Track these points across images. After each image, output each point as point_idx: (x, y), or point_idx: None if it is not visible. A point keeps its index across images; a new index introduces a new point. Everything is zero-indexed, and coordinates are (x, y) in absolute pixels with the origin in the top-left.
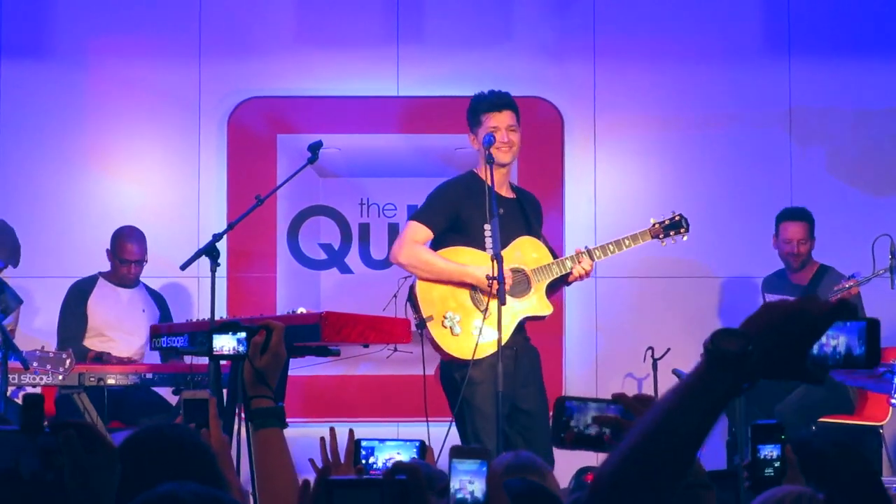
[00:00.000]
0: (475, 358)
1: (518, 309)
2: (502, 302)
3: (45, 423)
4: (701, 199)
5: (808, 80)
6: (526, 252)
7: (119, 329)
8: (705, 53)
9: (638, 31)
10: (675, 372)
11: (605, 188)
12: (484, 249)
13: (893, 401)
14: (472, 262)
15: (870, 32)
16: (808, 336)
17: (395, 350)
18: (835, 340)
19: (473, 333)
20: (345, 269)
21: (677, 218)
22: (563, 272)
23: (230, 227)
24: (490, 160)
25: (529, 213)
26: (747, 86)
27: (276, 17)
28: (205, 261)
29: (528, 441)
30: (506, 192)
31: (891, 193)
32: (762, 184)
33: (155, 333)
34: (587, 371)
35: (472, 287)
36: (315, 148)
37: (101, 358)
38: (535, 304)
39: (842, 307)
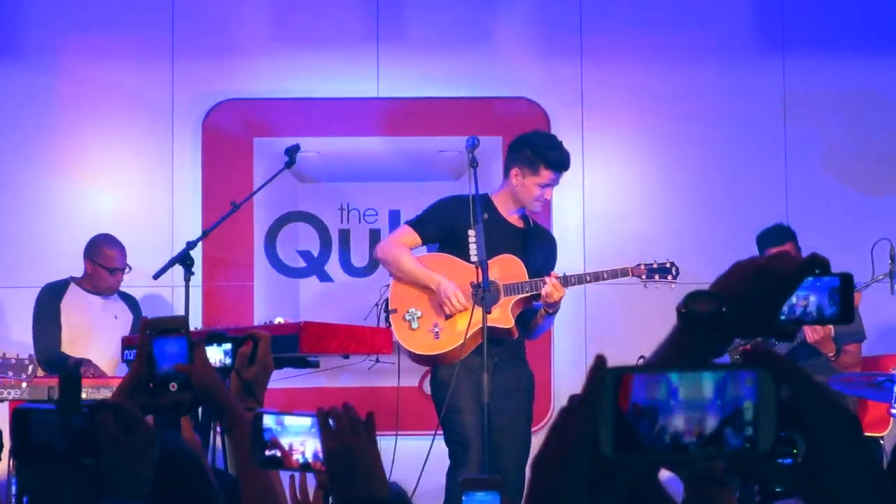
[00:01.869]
0: (440, 353)
1: (477, 318)
2: (487, 310)
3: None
4: (695, 202)
5: (803, 76)
6: (504, 268)
7: (90, 338)
8: (697, 50)
9: (627, 28)
10: (641, 358)
11: (594, 192)
12: (468, 258)
13: (894, 411)
14: (448, 270)
15: (867, 27)
16: (779, 293)
17: (377, 361)
18: (805, 301)
19: (429, 331)
20: (324, 278)
21: (668, 265)
22: (534, 292)
23: (205, 234)
24: (472, 163)
25: (533, 248)
26: (740, 83)
27: (251, 15)
28: (179, 269)
29: (494, 459)
30: (514, 220)
31: (889, 193)
32: (757, 185)
33: (127, 345)
34: (577, 382)
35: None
36: (292, 152)
37: (81, 365)
38: (497, 316)
39: (812, 262)
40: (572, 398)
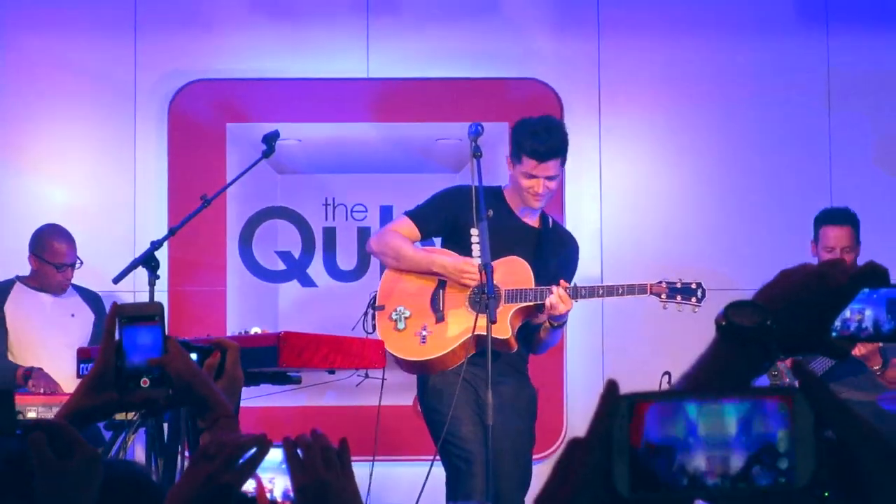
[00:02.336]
0: (422, 359)
1: (471, 323)
2: (492, 319)
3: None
4: (729, 197)
5: (850, 54)
6: (509, 272)
7: (44, 342)
8: (730, 25)
9: (650, 0)
10: (666, 374)
11: (612, 185)
12: (472, 256)
13: None
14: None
15: None
16: (830, 305)
17: (367, 377)
18: (859, 314)
19: (416, 334)
20: (307, 282)
21: (693, 285)
22: (538, 301)
23: (171, 232)
24: (475, 153)
25: (548, 251)
26: (779, 62)
27: None
28: (142, 272)
29: (491, 485)
30: (528, 219)
31: None
32: (798, 176)
33: (83, 357)
34: (592, 401)
35: (437, 289)
36: (271, 139)
37: (31, 376)
38: (493, 322)
39: (870, 272)
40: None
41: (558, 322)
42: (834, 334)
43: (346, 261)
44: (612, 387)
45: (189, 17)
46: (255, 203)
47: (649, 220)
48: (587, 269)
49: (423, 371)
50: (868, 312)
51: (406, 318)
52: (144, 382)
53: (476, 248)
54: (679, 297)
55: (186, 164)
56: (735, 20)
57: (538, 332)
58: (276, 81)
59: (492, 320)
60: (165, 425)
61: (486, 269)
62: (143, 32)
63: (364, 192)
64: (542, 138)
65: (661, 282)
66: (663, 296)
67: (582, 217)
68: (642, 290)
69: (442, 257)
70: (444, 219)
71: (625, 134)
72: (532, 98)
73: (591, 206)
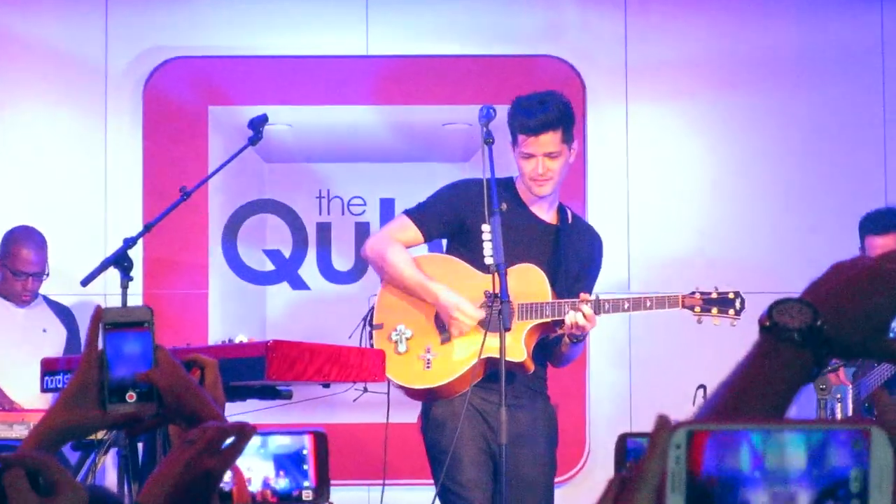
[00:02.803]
0: (428, 387)
1: (485, 344)
2: (506, 326)
3: None
4: (768, 190)
5: None
6: (523, 282)
7: (13, 359)
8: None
9: None
10: (701, 387)
11: (640, 177)
12: (482, 262)
13: None
14: (452, 277)
15: None
16: (889, 304)
17: (366, 391)
18: None
19: (420, 358)
20: (298, 284)
21: (731, 296)
22: (557, 317)
23: (147, 228)
24: (487, 139)
25: (567, 251)
26: (826, 39)
27: None
28: (114, 273)
29: None
30: (544, 214)
31: None
32: (848, 167)
33: (48, 370)
34: (617, 417)
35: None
36: (258, 124)
37: None
38: (507, 345)
39: None
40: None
41: (576, 338)
42: (892, 335)
43: (342, 260)
44: (663, 422)
45: None
46: (241, 195)
47: (682, 217)
48: (613, 273)
49: (429, 398)
50: None
51: (407, 339)
52: (130, 397)
53: (488, 247)
54: (715, 310)
55: (163, 152)
56: None
57: (558, 346)
58: (263, 59)
59: (506, 327)
60: (140, 445)
61: (500, 269)
62: (115, 5)
63: (362, 183)
64: (533, 110)
65: (694, 292)
66: (697, 308)
67: (606, 214)
68: (674, 303)
69: (437, 287)
70: (448, 218)
71: (654, 120)
72: (551, 78)
73: (617, 202)
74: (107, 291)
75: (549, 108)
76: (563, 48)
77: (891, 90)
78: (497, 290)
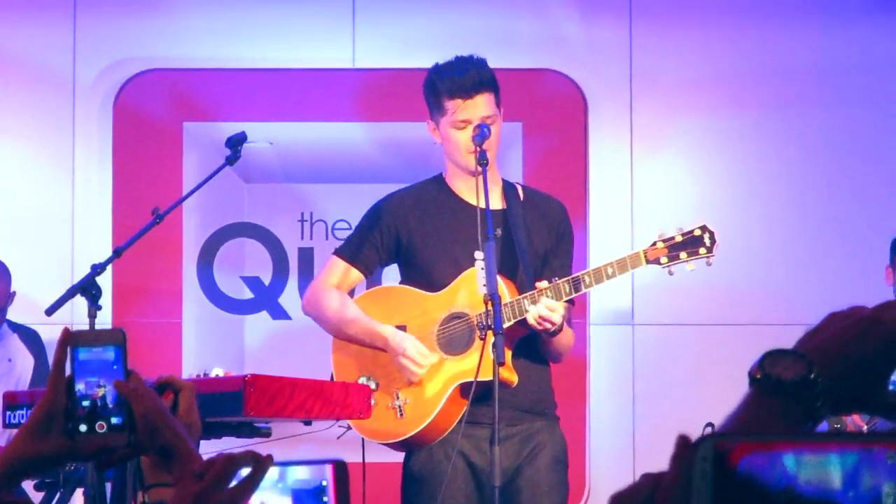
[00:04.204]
0: (406, 437)
1: (451, 372)
2: (500, 361)
3: None
4: (784, 213)
5: None
6: (474, 290)
7: None
8: (785, 10)
9: None
10: (710, 426)
11: (646, 198)
12: (439, 288)
13: None
14: (404, 308)
15: None
16: (887, 356)
17: (349, 428)
18: None
19: (390, 407)
20: (279, 314)
21: (697, 233)
22: (518, 317)
23: (117, 253)
24: (481, 160)
25: (521, 235)
26: (844, 52)
27: None
28: (81, 301)
29: None
30: (490, 202)
31: None
32: (871, 187)
33: (10, 403)
34: (620, 455)
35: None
36: (237, 142)
37: None
38: (473, 364)
39: None
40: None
41: (550, 333)
42: (892, 388)
43: None
44: (684, 442)
45: None
46: (218, 218)
47: None
48: (615, 301)
49: (414, 448)
50: None
51: (373, 391)
52: (100, 426)
53: (481, 275)
54: (684, 254)
55: (135, 171)
56: (793, 4)
57: (540, 341)
58: (242, 72)
59: (500, 362)
60: (109, 484)
61: (493, 298)
62: (83, 13)
63: (348, 205)
64: (462, 68)
65: (655, 242)
66: (664, 259)
67: (609, 235)
68: (636, 262)
69: (383, 330)
70: (381, 242)
71: (660, 137)
72: (551, 93)
73: (621, 223)
74: (74, 321)
75: (478, 66)
76: (564, 61)
77: None
78: (452, 314)
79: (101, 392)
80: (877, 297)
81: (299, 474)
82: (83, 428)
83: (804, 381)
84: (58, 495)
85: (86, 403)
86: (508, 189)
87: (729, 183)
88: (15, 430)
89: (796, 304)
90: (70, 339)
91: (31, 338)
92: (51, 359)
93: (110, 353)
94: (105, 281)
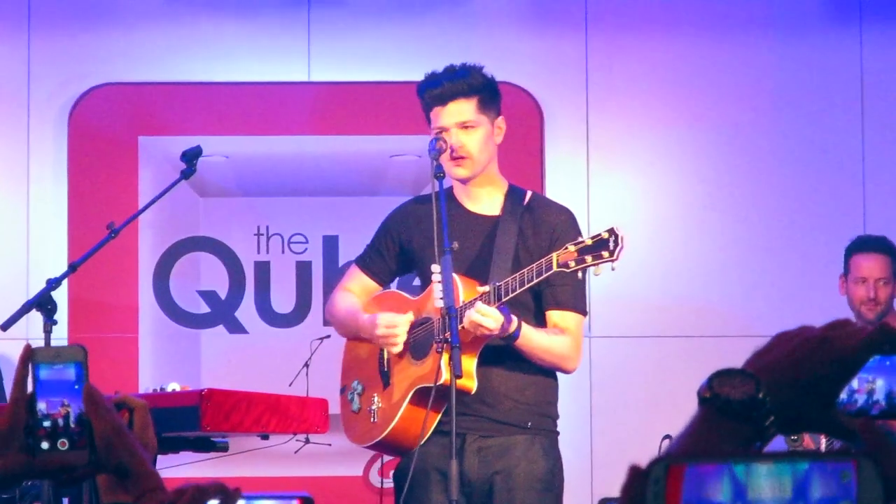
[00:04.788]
0: (376, 441)
1: (412, 376)
2: (457, 373)
3: None
4: (740, 225)
5: (887, 53)
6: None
7: None
8: (742, 21)
9: None
10: (667, 438)
11: (602, 208)
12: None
13: None
14: (391, 311)
15: None
16: (835, 375)
17: (307, 442)
18: (870, 384)
19: (369, 411)
20: (235, 327)
21: (604, 236)
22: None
23: (72, 268)
24: (437, 173)
25: (503, 239)
26: (800, 64)
27: None
28: (36, 316)
29: None
30: (482, 207)
31: None
32: (825, 200)
33: None
34: (579, 468)
35: (381, 349)
36: (192, 156)
37: None
38: (427, 369)
39: (882, 336)
40: None
41: (505, 340)
42: (840, 408)
43: (282, 302)
44: (635, 472)
45: (92, 7)
46: (173, 232)
47: (646, 254)
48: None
49: (396, 452)
50: (880, 383)
51: (359, 395)
52: (62, 444)
53: (438, 288)
54: (590, 258)
55: (90, 185)
56: (749, 15)
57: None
58: (197, 86)
59: (457, 374)
60: (66, 501)
61: (450, 311)
62: (37, 27)
63: (304, 218)
64: (439, 78)
65: (566, 247)
66: (572, 263)
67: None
68: (549, 266)
69: (365, 316)
70: (390, 251)
71: (617, 150)
72: (506, 106)
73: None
74: (29, 335)
75: (459, 74)
76: (520, 75)
77: (870, 121)
78: (421, 319)
79: (63, 411)
80: (832, 306)
81: None
82: (45, 445)
83: (752, 400)
84: None
85: (47, 424)
86: (514, 195)
87: (685, 195)
88: None
89: (752, 315)
90: (31, 356)
91: None
92: (7, 376)
93: (71, 371)
94: (61, 296)
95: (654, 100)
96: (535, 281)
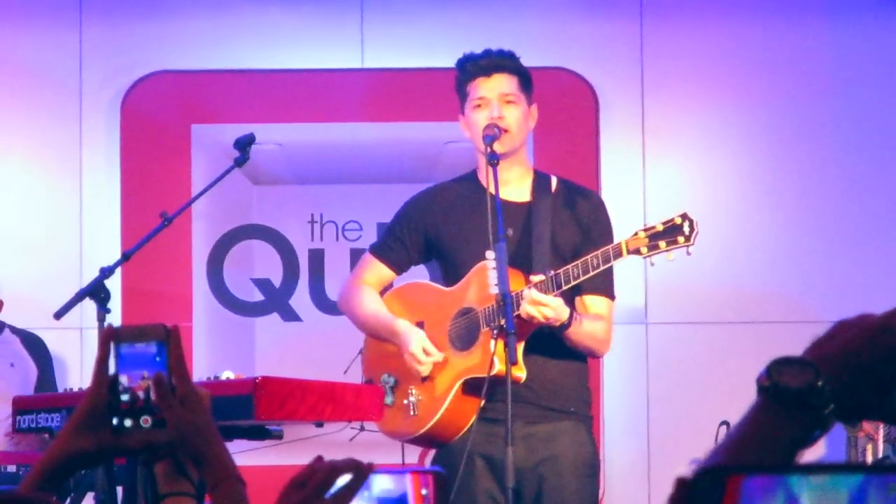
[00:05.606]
0: (418, 434)
1: (458, 368)
2: (512, 360)
3: None
4: (798, 210)
5: None
6: (482, 284)
7: None
8: (800, 3)
9: None
10: (724, 424)
11: (658, 197)
12: (454, 274)
13: None
14: (424, 305)
15: None
16: (895, 364)
17: (362, 429)
18: None
19: (406, 404)
20: (290, 315)
21: (677, 221)
22: (516, 310)
23: (125, 256)
24: (492, 160)
25: (541, 227)
26: (858, 46)
27: None
28: (90, 305)
29: None
30: (512, 193)
31: None
32: (886, 185)
33: (20, 408)
34: (635, 457)
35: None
36: (245, 144)
37: None
38: (477, 359)
39: None
40: None
41: (558, 329)
42: None
43: (336, 290)
44: (682, 485)
45: None
46: (227, 221)
47: (704, 240)
48: (628, 301)
49: (436, 445)
50: None
51: (392, 387)
52: (145, 421)
53: (493, 275)
54: (663, 244)
55: (143, 174)
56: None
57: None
58: (250, 73)
59: (512, 361)
60: (120, 489)
61: (506, 298)
62: (90, 16)
63: (358, 206)
64: (485, 52)
65: (636, 233)
66: (644, 249)
67: (622, 233)
68: (618, 253)
69: (398, 325)
70: (410, 239)
71: (672, 135)
72: (561, 91)
73: (634, 221)
74: (83, 325)
75: (503, 52)
76: (574, 60)
77: None
78: (462, 310)
79: (144, 385)
80: (891, 294)
81: (383, 484)
82: (128, 423)
83: (811, 388)
84: (69, 499)
85: (127, 398)
86: (541, 181)
87: (741, 179)
88: (24, 435)
89: (809, 301)
90: (113, 336)
91: (33, 343)
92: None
93: (153, 348)
94: (114, 284)
95: (709, 84)
96: (602, 268)
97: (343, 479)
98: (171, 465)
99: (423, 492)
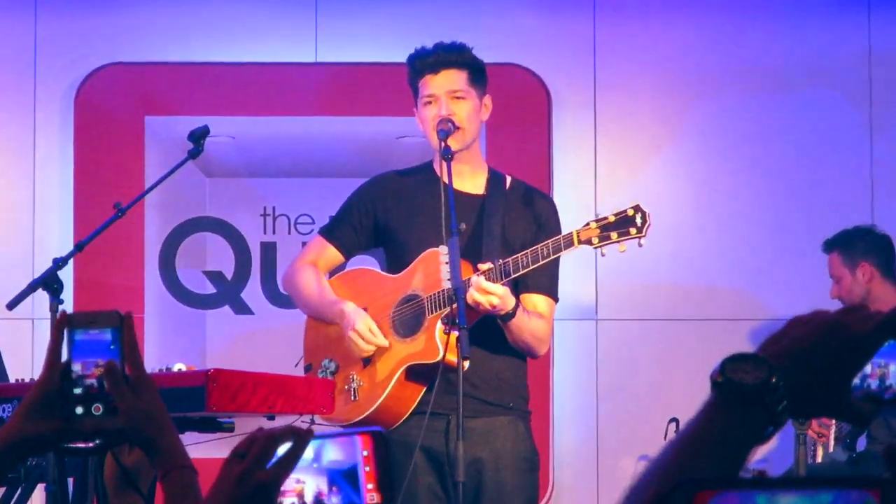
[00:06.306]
0: (358, 419)
1: (401, 354)
2: (464, 353)
3: None
4: (747, 206)
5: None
6: (430, 271)
7: None
8: (751, 3)
9: None
10: (673, 421)
11: (609, 195)
12: (399, 262)
13: None
14: (367, 289)
15: None
16: (849, 360)
17: (313, 423)
18: (883, 368)
19: (346, 390)
20: (241, 308)
21: (629, 213)
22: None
23: (78, 248)
24: (446, 155)
25: (492, 221)
26: (810, 46)
27: None
28: (42, 296)
29: None
30: (465, 185)
31: None
32: (833, 184)
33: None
34: (584, 452)
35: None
36: (200, 136)
37: None
38: (419, 347)
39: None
40: None
41: (502, 318)
42: (855, 392)
43: None
44: (654, 500)
45: None
46: (180, 213)
47: (655, 237)
48: (579, 300)
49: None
50: (892, 368)
51: (332, 373)
52: (97, 409)
53: (445, 269)
54: (615, 235)
55: (97, 165)
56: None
57: (506, 332)
58: (204, 66)
59: (465, 356)
60: (71, 480)
61: (458, 293)
62: (44, 7)
63: (311, 199)
64: (431, 49)
65: (587, 224)
66: (595, 240)
67: (574, 227)
68: (569, 242)
69: (342, 306)
70: (360, 223)
71: (625, 133)
72: (513, 88)
73: (585, 218)
74: (35, 315)
75: (451, 46)
76: (527, 56)
77: (878, 102)
78: (407, 296)
79: (98, 372)
80: None
81: (333, 454)
82: (79, 410)
83: (765, 385)
84: (19, 490)
85: (80, 388)
86: (494, 177)
87: (692, 177)
88: None
89: (759, 299)
90: (67, 322)
91: None
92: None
93: (107, 335)
94: (67, 275)
95: (661, 82)
96: (551, 258)
97: (283, 448)
98: (121, 479)
99: (364, 452)
